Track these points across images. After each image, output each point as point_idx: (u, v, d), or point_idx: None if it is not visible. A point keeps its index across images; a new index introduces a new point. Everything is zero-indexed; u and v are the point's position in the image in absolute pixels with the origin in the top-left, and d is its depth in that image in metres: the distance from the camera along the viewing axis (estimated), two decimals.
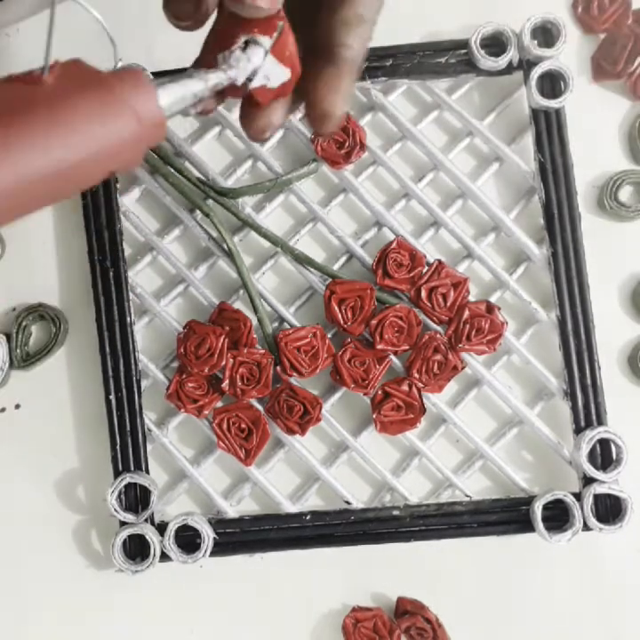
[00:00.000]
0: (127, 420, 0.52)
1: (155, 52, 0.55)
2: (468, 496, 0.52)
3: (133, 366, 0.52)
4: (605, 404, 0.51)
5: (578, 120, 0.53)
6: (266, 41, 0.30)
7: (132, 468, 0.52)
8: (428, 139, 0.53)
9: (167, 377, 0.52)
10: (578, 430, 0.51)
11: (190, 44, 0.55)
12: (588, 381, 0.51)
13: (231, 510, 0.52)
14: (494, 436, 0.53)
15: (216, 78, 0.31)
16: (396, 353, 0.51)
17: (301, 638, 0.53)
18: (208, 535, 0.50)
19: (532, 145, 0.52)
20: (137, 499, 0.52)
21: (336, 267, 0.53)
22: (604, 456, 0.51)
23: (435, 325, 0.52)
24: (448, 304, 0.51)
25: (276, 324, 0.53)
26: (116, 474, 0.52)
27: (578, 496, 0.50)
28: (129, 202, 0.54)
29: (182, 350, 0.51)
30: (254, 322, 0.52)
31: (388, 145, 0.54)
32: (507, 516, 0.51)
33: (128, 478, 0.51)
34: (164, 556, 0.51)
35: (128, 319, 0.52)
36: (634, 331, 0.54)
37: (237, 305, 0.53)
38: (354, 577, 0.53)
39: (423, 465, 0.53)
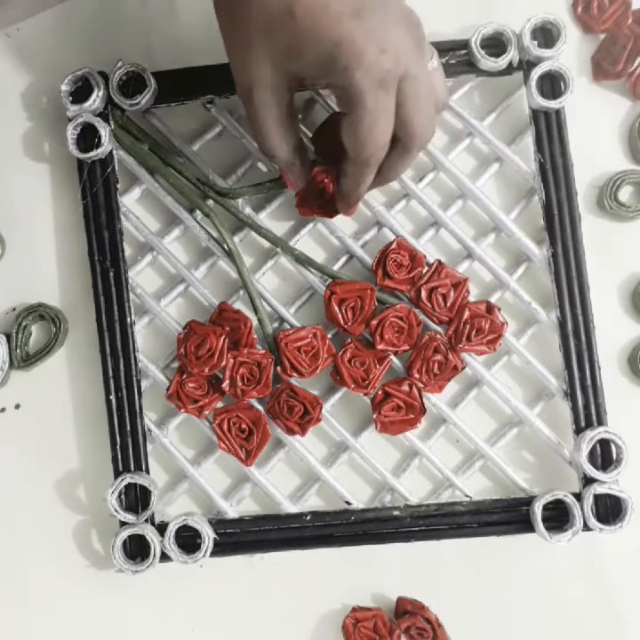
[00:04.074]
0: (127, 421, 0.52)
1: (154, 52, 0.55)
2: (468, 496, 0.52)
3: (133, 366, 0.52)
4: (605, 405, 0.51)
5: (578, 120, 0.53)
6: None
7: (133, 469, 0.52)
8: None
9: (167, 377, 0.52)
10: (578, 430, 0.51)
11: (189, 44, 0.55)
12: (588, 382, 0.51)
13: (231, 511, 0.52)
14: (494, 436, 0.53)
15: None
16: (396, 353, 0.51)
17: (301, 638, 0.53)
18: (208, 535, 0.50)
19: (532, 145, 0.52)
20: (137, 499, 0.52)
21: (336, 267, 0.53)
22: (605, 456, 0.51)
23: (435, 326, 0.52)
24: (448, 304, 0.51)
25: (276, 325, 0.53)
26: (117, 474, 0.52)
27: (578, 496, 0.50)
28: (129, 202, 0.54)
29: (182, 351, 0.51)
30: (254, 322, 0.52)
31: None
32: (507, 516, 0.51)
33: (128, 478, 0.51)
34: (164, 557, 0.51)
35: (128, 319, 0.52)
36: (634, 331, 0.54)
37: (237, 305, 0.53)
38: (354, 577, 0.53)
39: (423, 465, 0.53)
